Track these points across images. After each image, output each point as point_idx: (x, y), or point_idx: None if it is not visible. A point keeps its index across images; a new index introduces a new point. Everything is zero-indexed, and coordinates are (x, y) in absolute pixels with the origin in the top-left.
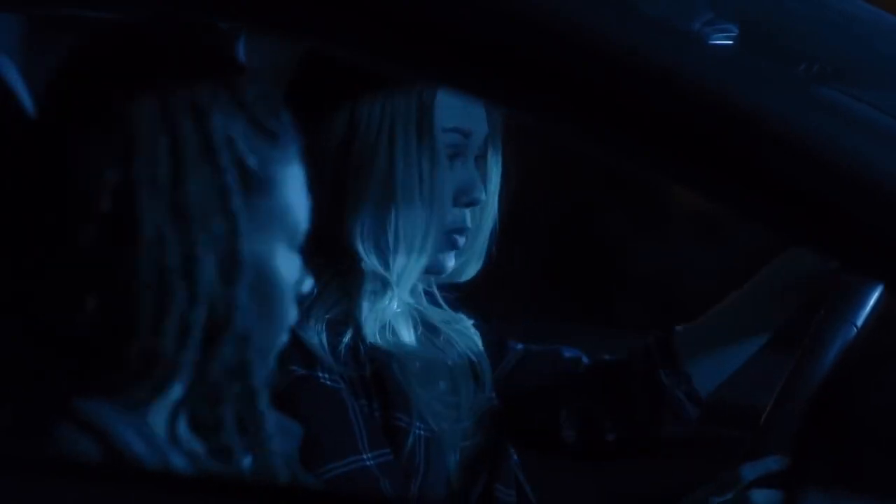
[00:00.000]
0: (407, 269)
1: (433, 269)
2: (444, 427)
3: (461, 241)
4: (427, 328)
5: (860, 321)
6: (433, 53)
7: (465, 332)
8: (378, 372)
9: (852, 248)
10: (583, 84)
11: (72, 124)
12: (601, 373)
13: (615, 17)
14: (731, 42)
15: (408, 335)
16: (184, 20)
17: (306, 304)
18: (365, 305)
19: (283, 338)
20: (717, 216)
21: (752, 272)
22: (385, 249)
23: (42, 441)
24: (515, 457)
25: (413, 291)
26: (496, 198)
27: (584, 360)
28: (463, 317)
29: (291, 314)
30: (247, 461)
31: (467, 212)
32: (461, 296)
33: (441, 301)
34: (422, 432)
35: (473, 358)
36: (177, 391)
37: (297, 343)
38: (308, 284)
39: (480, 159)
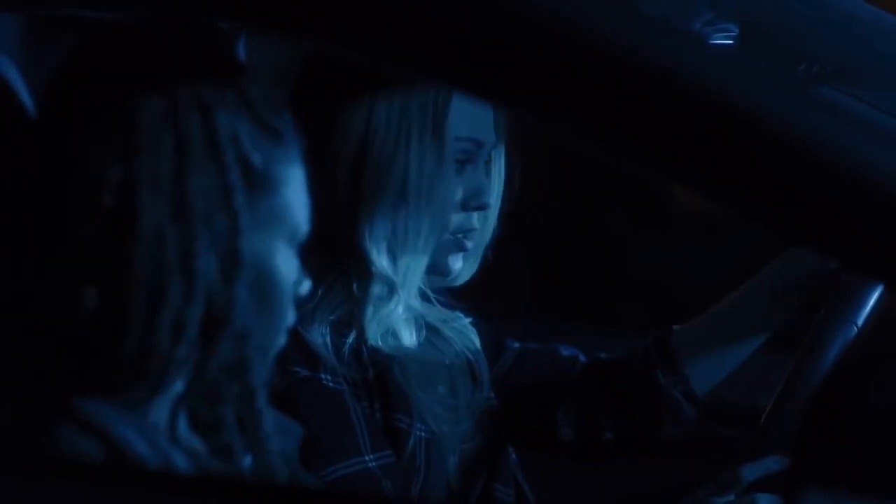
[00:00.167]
0: (410, 271)
1: (440, 272)
2: (445, 429)
3: (469, 244)
4: (427, 329)
5: (861, 321)
6: (433, 53)
7: (463, 331)
8: (380, 374)
9: (852, 248)
10: (583, 84)
11: (72, 124)
12: (598, 372)
13: (615, 17)
14: (731, 42)
15: (409, 338)
16: (184, 20)
17: (311, 305)
18: (370, 310)
19: (282, 338)
20: (717, 216)
21: (752, 272)
22: (396, 252)
23: (42, 441)
24: (514, 456)
25: (417, 293)
26: (498, 203)
27: (582, 358)
28: (460, 315)
29: (290, 315)
30: (247, 460)
31: (474, 215)
32: (461, 295)
33: (444, 301)
34: (422, 434)
35: (471, 358)
36: (176, 390)
37: (300, 344)
38: (306, 286)
39: (487, 165)
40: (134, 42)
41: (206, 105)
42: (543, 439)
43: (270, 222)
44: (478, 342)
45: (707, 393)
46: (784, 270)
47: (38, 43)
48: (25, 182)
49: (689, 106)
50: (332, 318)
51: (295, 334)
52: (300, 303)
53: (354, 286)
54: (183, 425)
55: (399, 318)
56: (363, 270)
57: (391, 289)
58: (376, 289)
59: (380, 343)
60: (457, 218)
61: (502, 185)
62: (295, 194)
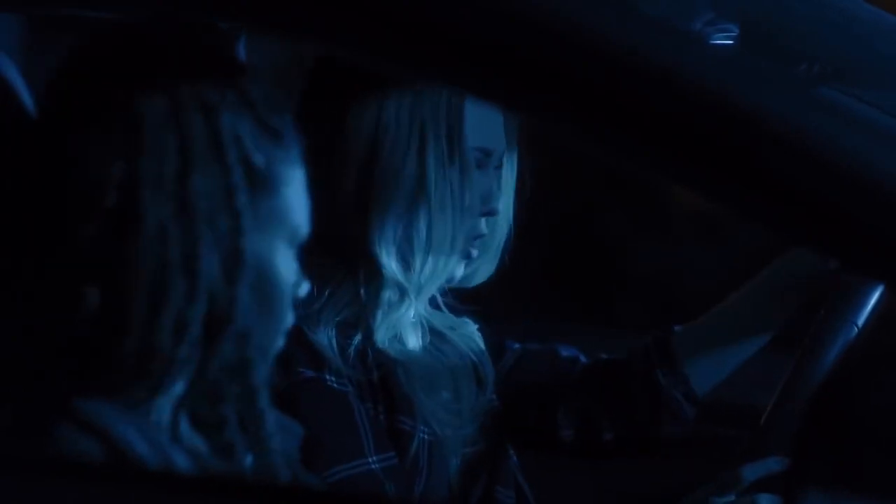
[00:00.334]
0: (431, 278)
1: (446, 279)
2: (448, 432)
3: (475, 252)
4: (433, 333)
5: (861, 321)
6: (433, 53)
7: (470, 336)
8: (384, 376)
9: (852, 248)
10: (583, 84)
11: (72, 124)
12: (599, 372)
13: (615, 17)
14: (731, 42)
15: (415, 341)
16: (184, 20)
17: (318, 306)
18: (379, 314)
19: (281, 339)
20: (717, 216)
21: (752, 272)
22: (408, 257)
23: (42, 441)
24: (515, 458)
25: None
26: (511, 206)
27: (582, 358)
28: (467, 321)
29: (289, 316)
30: (248, 460)
31: (483, 220)
32: (462, 295)
33: (442, 305)
34: (426, 436)
35: (477, 362)
36: (178, 390)
37: (305, 345)
38: (305, 287)
39: (497, 170)
40: (134, 42)
41: (207, 105)
42: (543, 439)
43: (271, 223)
44: (483, 346)
45: (707, 393)
46: (784, 271)
47: (38, 43)
48: (26, 182)
49: (689, 106)
50: (338, 319)
51: (300, 335)
52: (302, 303)
53: (363, 290)
54: (184, 425)
55: (407, 323)
56: (373, 274)
57: (402, 293)
58: (387, 294)
59: (385, 345)
60: (467, 223)
61: (513, 190)
62: (296, 195)
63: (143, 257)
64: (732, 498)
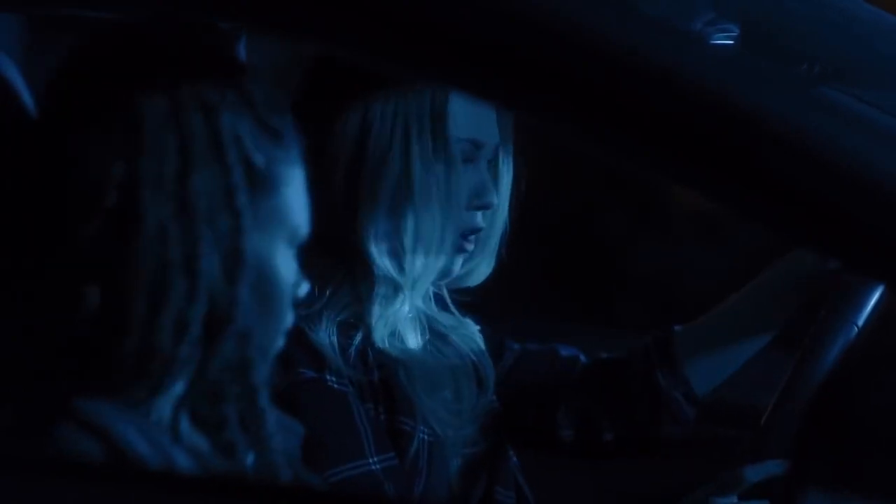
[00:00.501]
0: (423, 273)
1: (441, 274)
2: (449, 433)
3: (470, 246)
4: (434, 334)
5: (861, 321)
6: (433, 53)
7: (471, 336)
8: (385, 377)
9: (852, 248)
10: (583, 84)
11: (73, 124)
12: (599, 372)
13: (615, 17)
14: (731, 42)
15: (415, 341)
16: (184, 20)
17: (318, 306)
18: (376, 310)
19: (281, 339)
20: (717, 216)
21: (752, 272)
22: (399, 253)
23: (42, 441)
24: (515, 458)
25: (423, 296)
26: (507, 203)
27: (582, 358)
28: (469, 322)
29: (289, 316)
30: (249, 459)
31: (479, 214)
32: (463, 296)
33: (451, 305)
34: (426, 437)
35: (477, 362)
36: (178, 389)
37: (306, 345)
38: (305, 287)
39: (491, 164)
40: (134, 42)
41: (207, 105)
42: (543, 439)
43: (271, 223)
44: (484, 347)
45: (707, 393)
46: (785, 272)
47: (38, 43)
48: (26, 182)
49: (689, 106)
50: (338, 319)
51: (301, 335)
52: (302, 304)
53: (358, 287)
54: (185, 424)
55: (405, 319)
56: (367, 271)
57: (396, 289)
58: (381, 289)
59: (386, 345)
60: (461, 217)
61: (509, 184)
62: (295, 195)
63: (144, 257)
64: (734, 498)
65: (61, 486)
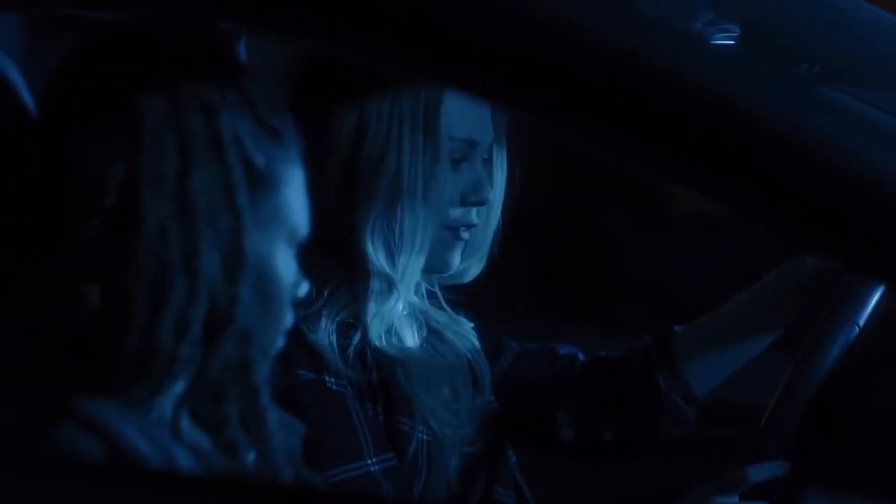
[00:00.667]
0: (409, 266)
1: (438, 268)
2: (447, 432)
3: (465, 235)
4: (429, 332)
5: (862, 321)
6: (433, 53)
7: (465, 335)
8: (383, 377)
9: (852, 248)
10: (583, 84)
11: (73, 124)
12: (598, 370)
13: (615, 17)
14: (731, 42)
15: (412, 339)
16: (184, 20)
17: (317, 307)
18: (371, 307)
19: (281, 339)
20: (717, 216)
21: (751, 272)
22: (392, 249)
23: (42, 441)
24: (514, 458)
25: (417, 292)
26: (500, 201)
27: (580, 356)
28: (463, 320)
29: (289, 316)
30: (251, 457)
31: (474, 211)
32: (462, 295)
33: (443, 302)
34: (424, 437)
35: (473, 362)
36: (179, 389)
37: (305, 346)
38: (304, 287)
39: (487, 162)
40: (134, 42)
41: (208, 105)
42: (542, 439)
43: (271, 222)
44: (479, 346)
45: (707, 394)
46: (786, 277)
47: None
48: (26, 182)
49: (689, 106)
50: (337, 319)
51: (300, 335)
52: (301, 304)
53: (356, 286)
54: (185, 423)
55: (401, 316)
56: (362, 269)
57: (390, 285)
58: (376, 285)
59: (384, 343)
60: (456, 213)
61: (504, 181)
62: (295, 195)
63: (144, 257)
64: (735, 498)
65: (61, 486)
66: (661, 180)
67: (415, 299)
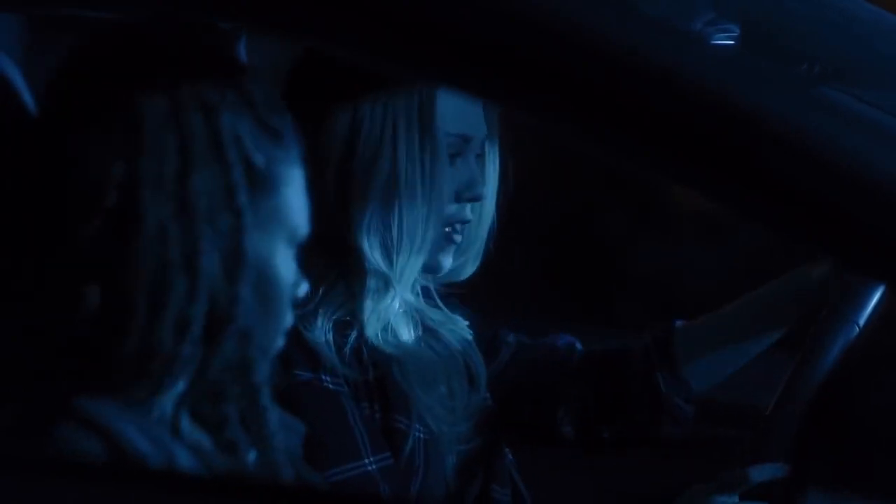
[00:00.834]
0: (408, 265)
1: (432, 268)
2: (444, 429)
3: (458, 237)
4: (425, 330)
5: (862, 321)
6: (433, 53)
7: (461, 333)
8: (380, 374)
9: (852, 248)
10: (583, 84)
11: (73, 124)
12: (598, 365)
13: (615, 17)
14: (731, 42)
15: (408, 336)
16: (184, 20)
17: (313, 305)
18: (368, 304)
19: (281, 339)
20: (717, 216)
21: (751, 272)
22: (389, 247)
23: (42, 441)
24: (510, 456)
25: (413, 290)
26: (493, 198)
27: (578, 346)
28: (459, 318)
29: (288, 316)
30: (251, 457)
31: (468, 207)
32: (461, 295)
33: (438, 301)
34: (421, 435)
35: (468, 358)
36: (179, 389)
37: (302, 345)
38: (304, 287)
39: (479, 158)
40: (134, 42)
41: (208, 105)
42: (541, 435)
43: (271, 222)
44: (475, 343)
45: (707, 393)
46: (789, 284)
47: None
48: (26, 182)
49: (689, 106)
50: (334, 317)
51: (297, 335)
52: (300, 304)
53: (353, 284)
54: (186, 423)
55: (397, 313)
56: (359, 267)
57: (387, 283)
58: (372, 283)
59: (380, 341)
60: (450, 209)
61: (497, 177)
62: (295, 195)
63: (144, 257)
64: (735, 498)
65: (61, 486)
66: (661, 180)
67: (410, 297)
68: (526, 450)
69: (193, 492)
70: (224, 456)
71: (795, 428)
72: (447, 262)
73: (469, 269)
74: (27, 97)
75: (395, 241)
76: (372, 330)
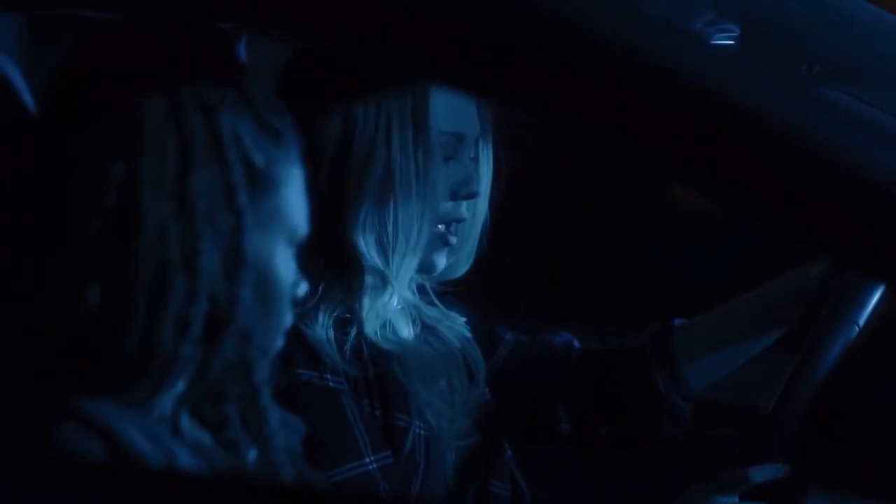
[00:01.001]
0: (404, 263)
1: (426, 268)
2: (444, 425)
3: (453, 239)
4: (423, 327)
5: (862, 321)
6: (433, 53)
7: (459, 329)
8: (380, 372)
9: (852, 248)
10: (583, 84)
11: (73, 124)
12: (596, 364)
13: (615, 17)
14: (731, 42)
15: (406, 331)
16: (184, 20)
17: (312, 303)
18: (366, 302)
19: (281, 339)
20: (717, 216)
21: (751, 272)
22: (385, 244)
23: (42, 441)
24: (510, 452)
25: (410, 288)
26: (486, 196)
27: (576, 343)
28: (455, 315)
29: (288, 315)
30: (252, 455)
31: (463, 205)
32: (459, 293)
33: (434, 298)
34: (421, 431)
35: (467, 354)
36: (179, 388)
37: (303, 343)
38: (303, 288)
39: (473, 156)
40: (134, 42)
41: (208, 105)
42: (539, 434)
43: (271, 223)
44: (473, 340)
45: (707, 393)
46: (788, 288)
47: (38, 43)
48: (26, 182)
49: (689, 106)
50: (334, 314)
51: (297, 333)
52: (299, 302)
53: (350, 282)
54: (186, 423)
55: (395, 310)
56: (356, 264)
57: (384, 280)
58: (370, 280)
59: (378, 337)
60: (445, 208)
61: (490, 175)
62: (294, 195)
63: (144, 257)
64: (735, 498)
65: (61, 486)
66: (661, 180)
67: (408, 295)
68: (525, 448)
69: (194, 492)
70: (224, 456)
71: (795, 428)
72: (441, 261)
73: (462, 268)
74: (27, 97)
75: (390, 239)
76: (371, 327)
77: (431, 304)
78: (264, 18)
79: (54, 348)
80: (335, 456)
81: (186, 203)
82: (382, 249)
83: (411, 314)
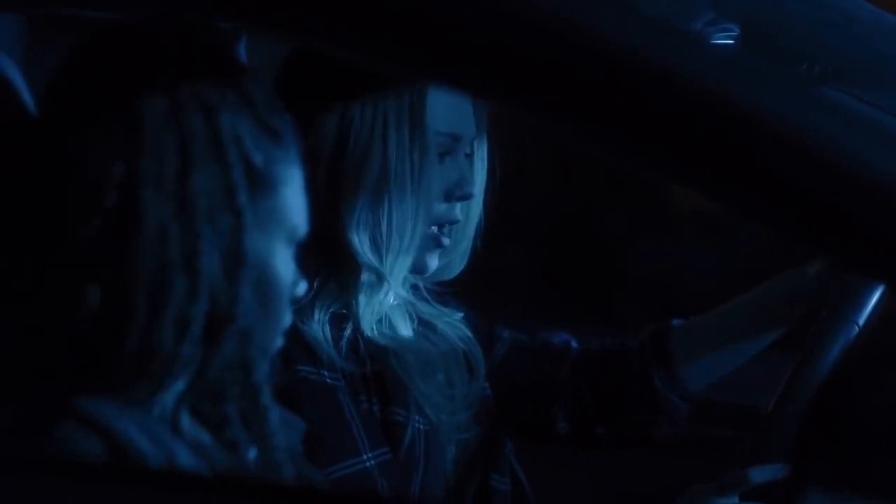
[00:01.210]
0: (398, 262)
1: (418, 269)
2: (443, 419)
3: (446, 241)
4: (421, 323)
5: (862, 320)
6: (433, 53)
7: (457, 324)
8: (377, 367)
9: (852, 248)
10: (583, 84)
11: (73, 124)
12: (594, 363)
13: (615, 17)
14: (731, 42)
15: (404, 328)
16: (184, 20)
17: (307, 300)
18: (362, 299)
19: (280, 338)
20: (717, 216)
21: (751, 272)
22: (379, 243)
23: (42, 441)
24: (510, 446)
25: (404, 286)
26: (481, 197)
27: (574, 343)
28: (452, 311)
29: (288, 314)
30: (252, 455)
31: (457, 206)
32: (458, 293)
33: (427, 296)
34: (420, 426)
35: (466, 349)
36: (179, 388)
37: (300, 340)
38: (302, 287)
39: (469, 157)
40: (134, 42)
41: (208, 105)
42: (538, 432)
43: (270, 223)
44: (471, 334)
45: (707, 393)
46: (786, 287)
47: (38, 43)
48: (27, 182)
49: (689, 106)
50: (330, 311)
51: (295, 330)
52: (297, 302)
53: (346, 279)
54: (186, 422)
55: (391, 307)
56: (351, 262)
57: (380, 277)
58: (366, 278)
59: (375, 333)
60: (440, 208)
61: (485, 176)
62: (294, 195)
63: (144, 257)
64: (735, 498)
65: (61, 486)
66: (661, 180)
67: (404, 292)
68: (524, 448)
69: (194, 491)
70: (225, 455)
71: (795, 428)
72: (433, 263)
73: (456, 269)
74: (27, 97)
75: (384, 238)
76: (367, 323)
77: (427, 302)
78: (264, 18)
79: (54, 348)
80: (332, 453)
81: (186, 203)
82: (376, 248)
83: (408, 311)
